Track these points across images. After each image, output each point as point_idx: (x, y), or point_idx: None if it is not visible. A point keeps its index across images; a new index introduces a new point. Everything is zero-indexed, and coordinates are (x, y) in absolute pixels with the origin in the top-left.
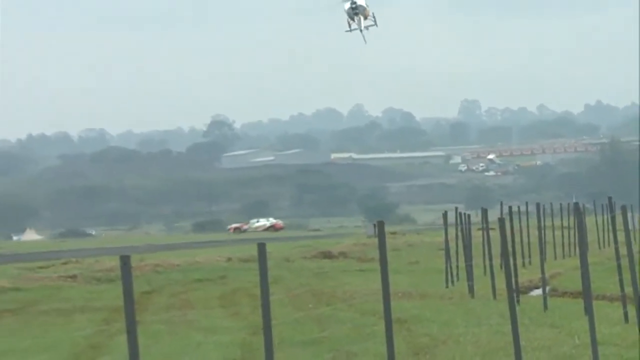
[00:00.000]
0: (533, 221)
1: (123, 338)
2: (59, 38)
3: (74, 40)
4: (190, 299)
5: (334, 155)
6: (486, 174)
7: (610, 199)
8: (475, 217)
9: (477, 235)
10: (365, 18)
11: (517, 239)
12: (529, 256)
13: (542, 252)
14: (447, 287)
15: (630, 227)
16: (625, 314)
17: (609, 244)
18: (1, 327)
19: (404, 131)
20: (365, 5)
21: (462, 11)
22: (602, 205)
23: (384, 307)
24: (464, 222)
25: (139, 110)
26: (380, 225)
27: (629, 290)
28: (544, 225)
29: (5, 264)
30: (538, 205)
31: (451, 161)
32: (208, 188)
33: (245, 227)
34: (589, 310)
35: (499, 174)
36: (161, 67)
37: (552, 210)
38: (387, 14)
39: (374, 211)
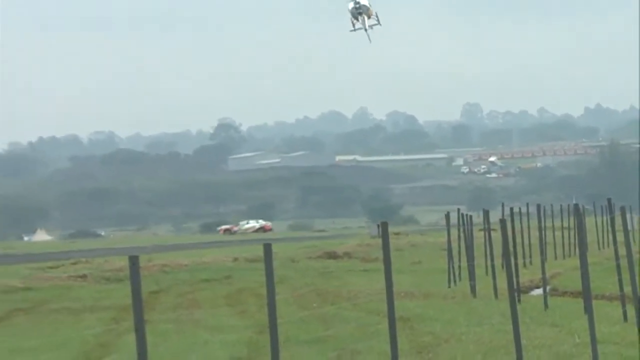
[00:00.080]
0: (534, 222)
1: (131, 337)
2: (69, 43)
3: (84, 44)
4: (197, 299)
5: (338, 158)
6: (488, 175)
7: (609, 200)
8: (477, 218)
9: (479, 236)
10: (369, 17)
11: (518, 240)
12: (530, 256)
13: (543, 253)
14: (449, 286)
15: (629, 228)
16: (624, 313)
17: (608, 245)
18: (13, 325)
19: (407, 134)
20: (368, 5)
21: (464, 16)
22: (602, 207)
23: (387, 306)
24: (466, 223)
25: (147, 113)
26: (384, 226)
27: (628, 289)
28: (545, 226)
29: (16, 264)
30: (539, 206)
31: (453, 163)
32: (215, 190)
33: (235, 228)
34: (588, 310)
35: (500, 175)
36: (169, 71)
37: (552, 211)
38: (390, 18)
39: (377, 212)
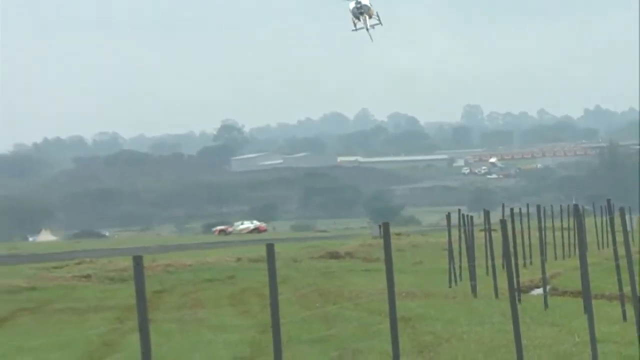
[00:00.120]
0: (534, 223)
1: (136, 336)
2: (73, 45)
3: (88, 46)
4: (200, 298)
5: (340, 159)
6: (488, 176)
7: (609, 201)
8: (478, 219)
9: (479, 236)
10: (370, 17)
11: (519, 240)
12: (530, 257)
13: (543, 253)
14: (450, 286)
15: (629, 228)
16: (624, 313)
17: (607, 245)
18: (18, 325)
19: (408, 135)
20: (369, 5)
21: (464, 18)
22: (601, 207)
23: (389, 306)
24: (466, 224)
25: (151, 115)
26: (385, 227)
27: (627, 289)
28: (545, 227)
29: (21, 264)
30: (539, 207)
31: (454, 164)
32: (218, 190)
33: (230, 229)
34: (588, 309)
35: (500, 176)
36: (173, 73)
37: (552, 212)
38: (391, 21)
39: (379, 213)
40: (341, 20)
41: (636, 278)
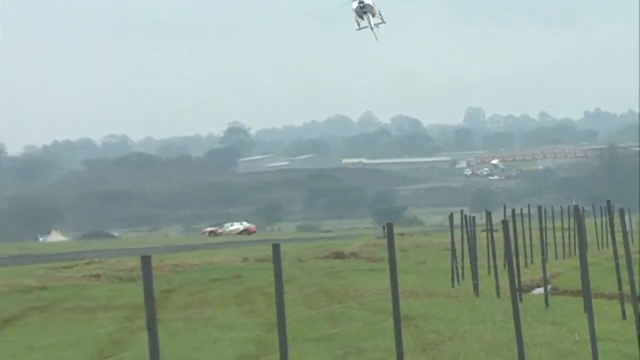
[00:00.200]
0: (535, 223)
1: (144, 335)
2: (84, 50)
3: (98, 51)
4: (207, 298)
5: (345, 161)
6: (490, 178)
7: (608, 202)
8: (480, 220)
9: (481, 237)
10: (373, 16)
11: (520, 240)
12: (531, 256)
13: (544, 253)
14: (453, 286)
15: (628, 228)
16: (623, 312)
17: (607, 245)
18: (28, 324)
19: (411, 137)
20: (372, 4)
21: (466, 23)
22: (601, 208)
23: (392, 305)
24: (469, 224)
25: (159, 117)
26: (389, 227)
27: (626, 288)
28: (545, 227)
29: (31, 264)
30: (539, 208)
31: (457, 166)
32: (225, 192)
33: (220, 230)
34: (588, 308)
35: (502, 178)
36: (180, 76)
37: (552, 212)
38: (394, 25)
39: (383, 213)
40: (346, 25)
41: (635, 277)
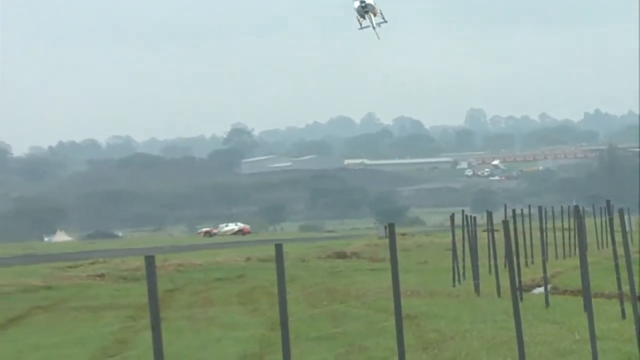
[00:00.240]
0: (535, 223)
1: (148, 333)
2: (88, 52)
3: (103, 53)
4: (211, 297)
5: (347, 161)
6: (491, 178)
7: (608, 202)
8: (481, 220)
9: (482, 237)
10: (375, 15)
11: (520, 240)
12: (532, 256)
13: (544, 253)
14: (454, 285)
15: (627, 228)
16: (623, 311)
17: (607, 245)
18: (34, 323)
19: (413, 138)
20: (373, 3)
21: (466, 24)
22: (601, 208)
23: (394, 304)
24: (470, 224)
25: (163, 119)
26: (390, 227)
27: (625, 288)
28: (546, 227)
29: (37, 263)
30: (540, 208)
31: (458, 167)
32: (228, 192)
33: (215, 231)
34: (588, 307)
35: (503, 178)
36: (184, 78)
37: (553, 213)
38: (396, 27)
39: (385, 214)
40: (348, 26)
41: (635, 277)
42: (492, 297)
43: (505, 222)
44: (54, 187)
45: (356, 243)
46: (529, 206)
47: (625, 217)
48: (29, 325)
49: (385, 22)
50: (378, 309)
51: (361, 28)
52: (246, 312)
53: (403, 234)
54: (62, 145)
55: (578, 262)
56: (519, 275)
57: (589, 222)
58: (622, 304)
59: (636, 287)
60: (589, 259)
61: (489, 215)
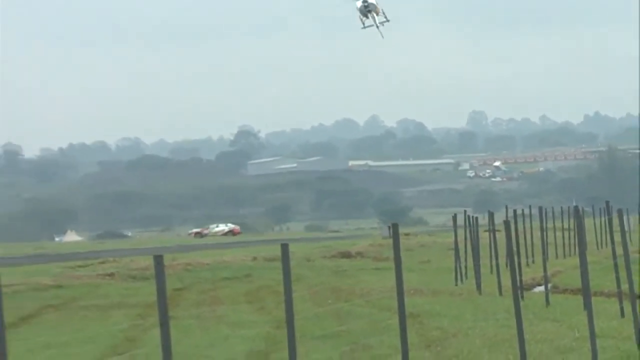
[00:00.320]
0: (536, 223)
1: (157, 332)
2: (98, 55)
3: (112, 56)
4: (218, 296)
5: (351, 163)
6: (492, 179)
7: (607, 202)
8: (483, 220)
9: (484, 237)
10: (377, 14)
11: (521, 240)
12: (532, 256)
13: (544, 252)
14: (456, 284)
15: (626, 228)
16: (622, 309)
17: (606, 245)
18: (44, 321)
19: (416, 140)
20: (375, 3)
21: (467, 26)
22: (600, 209)
23: (398, 302)
24: (472, 225)
25: (171, 121)
26: (394, 227)
27: (624, 287)
28: (546, 227)
29: (48, 263)
30: (540, 208)
31: (460, 168)
32: (235, 193)
33: (206, 232)
34: (587, 306)
35: (504, 179)
36: (192, 80)
37: (553, 213)
38: (398, 29)
39: (388, 214)
40: (351, 27)
41: (633, 276)
42: (494, 295)
43: (506, 223)
44: (65, 188)
45: (360, 243)
46: (530, 207)
47: (624, 217)
48: (39, 324)
49: (388, 21)
50: (382, 308)
51: (364, 27)
52: (253, 311)
53: (406, 234)
54: (72, 147)
55: (578, 261)
56: (520, 275)
57: (588, 223)
58: (621, 302)
59: (635, 286)
60: (589, 259)
61: (491, 215)
